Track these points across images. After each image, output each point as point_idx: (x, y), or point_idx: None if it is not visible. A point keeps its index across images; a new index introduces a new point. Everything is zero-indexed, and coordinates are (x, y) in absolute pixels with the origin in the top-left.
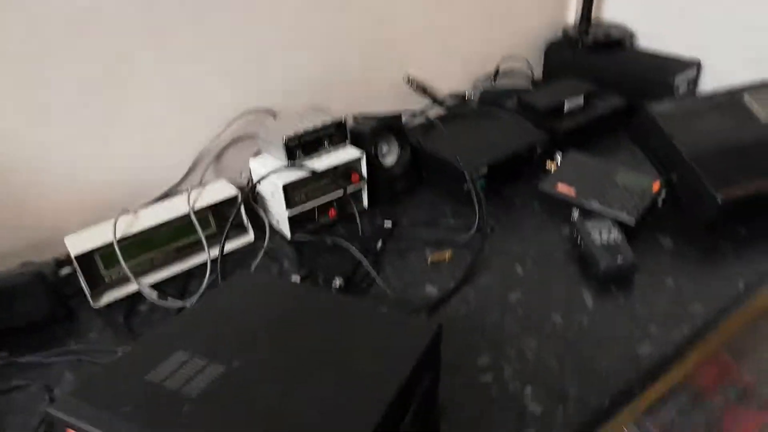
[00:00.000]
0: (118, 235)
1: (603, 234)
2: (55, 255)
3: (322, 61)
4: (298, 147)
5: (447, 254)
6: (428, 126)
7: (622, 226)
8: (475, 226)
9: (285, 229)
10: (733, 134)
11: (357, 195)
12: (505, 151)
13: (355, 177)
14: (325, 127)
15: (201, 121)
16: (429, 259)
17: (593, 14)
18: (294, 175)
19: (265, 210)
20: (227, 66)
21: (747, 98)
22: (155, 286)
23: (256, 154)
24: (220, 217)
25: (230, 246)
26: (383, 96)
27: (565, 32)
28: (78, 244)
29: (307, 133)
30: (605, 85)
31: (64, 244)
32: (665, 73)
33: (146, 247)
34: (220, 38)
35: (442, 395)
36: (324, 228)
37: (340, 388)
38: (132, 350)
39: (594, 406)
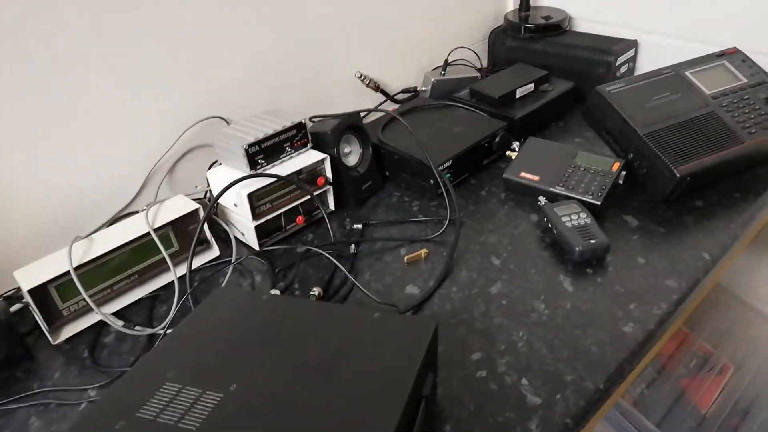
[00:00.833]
0: (75, 263)
1: (572, 217)
2: (0, 292)
3: (270, 65)
4: (259, 153)
5: (422, 253)
6: (387, 122)
7: (588, 208)
8: (447, 221)
9: (252, 240)
10: (682, 109)
11: (323, 198)
12: (467, 143)
13: (320, 180)
14: (285, 131)
15: (151, 134)
16: (405, 259)
17: (532, 0)
18: (258, 183)
19: (228, 222)
20: (175, 76)
21: (688, 73)
22: (119, 314)
23: (213, 164)
24: (181, 235)
25: (195, 263)
26: (335, 96)
27: (507, 19)
28: (30, 277)
29: (267, 138)
30: (550, 69)
31: (12, 279)
32: (607, 54)
33: (105, 273)
34: (166, 48)
35: (440, 394)
36: (292, 236)
37: (350, 400)
38: (117, 386)
39: (591, 389)
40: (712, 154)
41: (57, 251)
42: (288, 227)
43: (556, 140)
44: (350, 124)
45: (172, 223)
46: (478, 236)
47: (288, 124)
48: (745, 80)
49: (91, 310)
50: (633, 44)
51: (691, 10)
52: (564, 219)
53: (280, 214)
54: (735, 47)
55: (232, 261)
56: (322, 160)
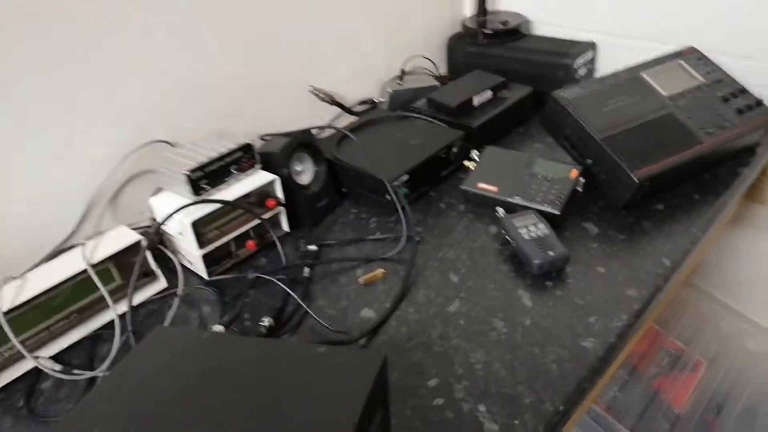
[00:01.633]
0: (5, 307)
1: (530, 229)
2: None
3: (219, 84)
4: (203, 179)
5: (379, 272)
6: (341, 137)
7: (547, 217)
8: (404, 238)
9: (200, 269)
10: (640, 112)
11: (276, 220)
12: (423, 155)
13: (270, 202)
14: (230, 153)
15: (89, 162)
16: (361, 280)
17: (489, 5)
18: (202, 210)
19: (175, 251)
20: (114, 98)
21: (645, 75)
22: (58, 357)
23: (157, 191)
24: (124, 268)
25: (141, 297)
26: (289, 113)
27: (465, 25)
28: None
29: (211, 163)
30: (509, 75)
31: None
32: (565, 57)
33: (41, 314)
34: (104, 70)
35: (394, 425)
36: (244, 262)
37: None
38: None
39: (550, 411)
40: (670, 157)
41: None
42: (239, 253)
43: (518, 147)
44: (301, 142)
45: (113, 257)
46: (436, 252)
47: (233, 146)
48: (702, 80)
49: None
50: (591, 46)
51: (648, 9)
52: (522, 231)
53: (230, 240)
54: (691, 46)
55: (178, 293)
56: (272, 182)
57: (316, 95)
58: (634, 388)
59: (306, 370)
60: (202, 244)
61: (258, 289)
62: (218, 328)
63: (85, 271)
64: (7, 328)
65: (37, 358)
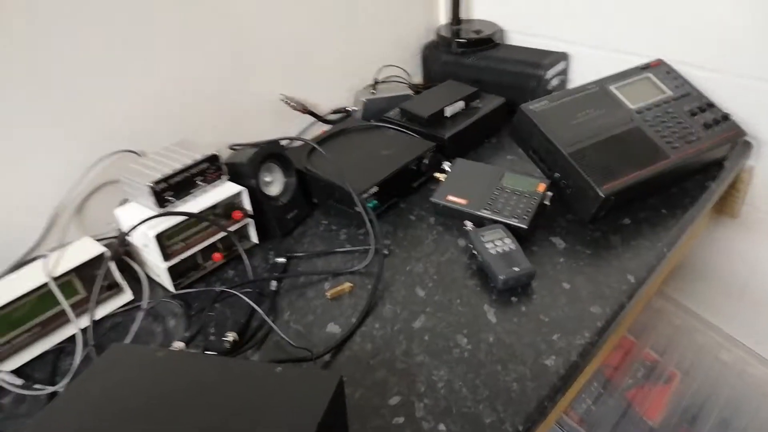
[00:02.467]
0: None
1: (497, 244)
2: None
3: (187, 93)
4: (168, 190)
5: (346, 287)
6: (312, 149)
7: (515, 231)
8: (372, 251)
9: (166, 282)
10: (607, 125)
11: (245, 232)
12: (393, 167)
13: (237, 214)
14: (196, 164)
15: (53, 171)
16: (328, 294)
17: (463, 14)
18: (166, 222)
19: (142, 263)
20: (75, 107)
21: (613, 88)
22: (20, 371)
23: (123, 202)
24: (88, 280)
25: (106, 309)
26: (260, 122)
27: (439, 34)
28: None
29: (176, 174)
30: (483, 84)
31: None
32: (537, 68)
33: (2, 327)
34: (61, 78)
35: None
36: (212, 274)
37: None
38: None
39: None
40: (636, 172)
41: None
42: (206, 265)
43: (490, 158)
44: (270, 153)
45: (77, 269)
46: (404, 265)
47: (199, 157)
48: (669, 93)
49: None
50: (563, 57)
51: (620, 21)
52: (488, 246)
53: (196, 252)
54: (660, 59)
55: (143, 306)
56: (239, 193)
57: (288, 104)
58: (607, 400)
59: (261, 392)
60: (167, 256)
61: (224, 302)
62: (179, 344)
63: (47, 284)
64: None
65: None
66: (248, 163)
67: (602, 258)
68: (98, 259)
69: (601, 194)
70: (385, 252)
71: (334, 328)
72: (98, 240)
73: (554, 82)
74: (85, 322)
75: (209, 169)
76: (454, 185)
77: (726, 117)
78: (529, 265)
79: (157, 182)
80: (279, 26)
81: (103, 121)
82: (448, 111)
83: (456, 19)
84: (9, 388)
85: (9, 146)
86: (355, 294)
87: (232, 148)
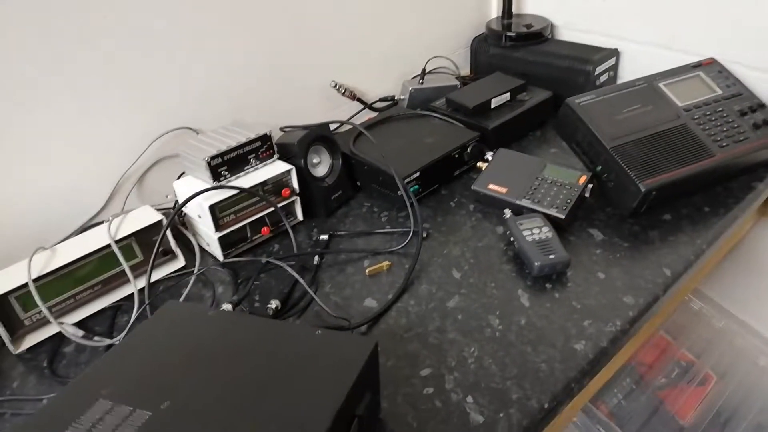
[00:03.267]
0: (34, 274)
1: (534, 231)
2: None
3: (244, 75)
4: (222, 165)
5: (384, 265)
6: (358, 133)
7: (553, 221)
8: (411, 233)
9: (216, 251)
10: (653, 121)
11: (291, 209)
12: (437, 154)
13: (285, 192)
14: (249, 143)
15: (118, 145)
16: (367, 271)
17: (515, 8)
18: (220, 195)
19: (195, 233)
20: (142, 86)
21: (661, 85)
22: (81, 324)
23: (181, 175)
24: (146, 245)
25: (160, 273)
26: (311, 106)
27: (489, 27)
28: None
29: (230, 151)
30: (531, 78)
31: None
32: (586, 63)
33: (67, 283)
34: (133, 56)
35: (384, 410)
36: (259, 247)
37: (276, 417)
38: (53, 401)
39: (536, 408)
40: (680, 168)
41: (21, 261)
42: (254, 238)
43: (533, 150)
44: (319, 136)
45: (136, 234)
46: (442, 248)
47: (252, 136)
48: (719, 92)
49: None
50: (614, 53)
51: (673, 19)
52: (526, 233)
53: (245, 225)
54: (712, 58)
55: (194, 272)
56: (288, 171)
57: (338, 90)
58: (639, 396)
59: (302, 350)
60: (219, 227)
61: (269, 273)
62: (227, 306)
63: (109, 245)
64: (35, 295)
65: (61, 324)
66: (298, 144)
67: (639, 251)
68: (156, 226)
69: (642, 188)
70: (424, 234)
71: (371, 303)
72: (156, 209)
73: (603, 78)
74: (141, 283)
75: (261, 147)
76: (496, 174)
77: None
78: (565, 253)
79: (213, 157)
80: (334, 15)
81: (165, 100)
82: (494, 102)
83: (507, 12)
84: (72, 338)
85: (84, 122)
86: (393, 272)
87: (282, 130)
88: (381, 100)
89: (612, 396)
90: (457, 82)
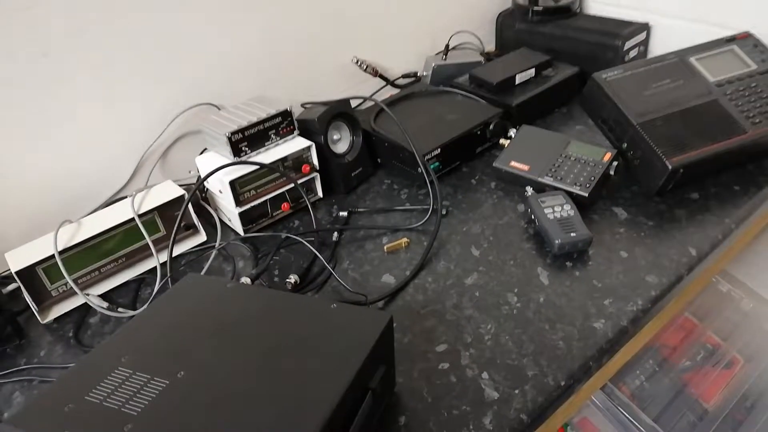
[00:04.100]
0: (60, 247)
1: (556, 209)
2: None
3: (265, 51)
4: (243, 141)
5: (403, 242)
6: (379, 110)
7: (576, 199)
8: (431, 211)
9: (237, 226)
10: (682, 97)
11: (311, 185)
12: (458, 131)
13: (305, 168)
14: (270, 118)
15: (142, 121)
16: (386, 248)
17: None
18: (240, 170)
19: (216, 208)
20: (164, 62)
21: (693, 59)
22: (106, 296)
23: (204, 151)
24: (169, 220)
25: (182, 248)
26: (332, 82)
27: (515, 1)
28: (19, 259)
29: (251, 126)
30: (557, 53)
31: (5, 261)
32: (615, 38)
33: (92, 256)
34: (153, 33)
35: (400, 384)
36: (279, 222)
37: (290, 387)
38: (74, 369)
39: (551, 386)
40: (709, 146)
41: (48, 234)
42: (275, 213)
43: (558, 127)
44: (339, 112)
45: (159, 209)
46: (461, 226)
47: (273, 111)
48: (755, 67)
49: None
50: (644, 28)
51: None
52: (547, 211)
53: (266, 200)
54: (747, 31)
55: (216, 246)
56: (308, 148)
57: (360, 66)
58: (662, 379)
59: (317, 323)
60: (239, 202)
61: (289, 248)
62: (246, 279)
63: (133, 219)
64: (61, 266)
65: (87, 295)
66: (318, 121)
67: (664, 230)
68: (178, 201)
69: (669, 166)
70: (444, 212)
71: (389, 279)
72: (179, 185)
73: (632, 53)
74: (163, 257)
75: (282, 123)
76: (518, 151)
77: None
78: (586, 231)
79: (234, 133)
80: None
81: (188, 76)
82: (518, 78)
83: None
84: (97, 309)
85: (109, 98)
86: (411, 249)
87: (303, 106)
88: (404, 76)
89: (634, 378)
90: (481, 58)
